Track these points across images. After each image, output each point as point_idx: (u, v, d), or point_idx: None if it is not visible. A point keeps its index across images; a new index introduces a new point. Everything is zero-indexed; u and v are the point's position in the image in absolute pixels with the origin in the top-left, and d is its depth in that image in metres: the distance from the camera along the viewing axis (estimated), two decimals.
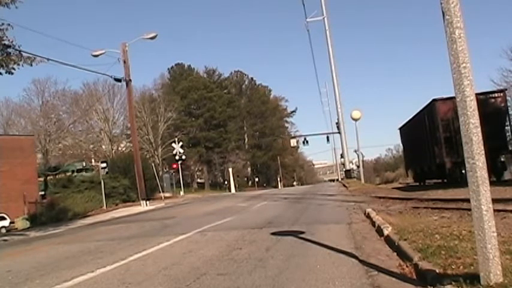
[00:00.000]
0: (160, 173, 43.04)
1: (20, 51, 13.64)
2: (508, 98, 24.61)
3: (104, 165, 29.19)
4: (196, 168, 61.92)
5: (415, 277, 3.97)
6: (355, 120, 33.89)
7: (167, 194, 36.47)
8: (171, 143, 42.09)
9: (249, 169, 72.61)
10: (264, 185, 70.89)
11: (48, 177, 34.45)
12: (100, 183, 26.56)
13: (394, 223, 6.87)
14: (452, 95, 3.38)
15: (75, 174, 34.71)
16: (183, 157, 39.41)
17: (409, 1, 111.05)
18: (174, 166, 40.10)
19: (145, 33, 25.02)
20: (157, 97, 55.55)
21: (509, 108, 20.92)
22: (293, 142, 50.48)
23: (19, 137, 34.51)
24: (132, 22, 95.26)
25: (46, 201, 25.98)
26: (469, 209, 3.47)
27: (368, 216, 8.68)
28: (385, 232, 6.18)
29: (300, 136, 50.95)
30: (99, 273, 5.57)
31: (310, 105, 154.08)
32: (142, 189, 24.21)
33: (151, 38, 24.79)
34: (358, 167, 39.48)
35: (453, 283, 3.30)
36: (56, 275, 5.75)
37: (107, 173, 29.29)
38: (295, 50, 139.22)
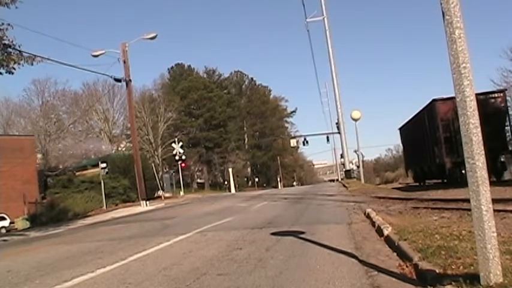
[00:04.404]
0: (160, 173, 42.99)
1: (20, 51, 13.67)
2: (508, 98, 24.63)
3: (104, 165, 29.17)
4: (196, 169, 61.90)
5: (415, 277, 3.97)
6: (355, 120, 33.88)
7: (167, 194, 36.52)
8: (171, 143, 42.06)
9: (249, 169, 72.59)
10: (264, 185, 70.87)
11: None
12: (100, 183, 26.55)
13: (394, 223, 6.87)
14: (452, 95, 3.38)
15: None
16: (183, 157, 39.37)
17: (409, 1, 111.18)
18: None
19: (145, 33, 25.08)
20: (157, 97, 55.54)
21: (509, 108, 20.93)
22: (293, 142, 50.47)
23: (19, 137, 34.51)
24: (132, 22, 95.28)
25: (46, 201, 25.98)
26: (469, 209, 3.47)
27: (368, 216, 8.68)
28: (385, 232, 6.18)
29: (300, 136, 50.96)
30: (99, 273, 5.57)
31: (310, 105, 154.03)
32: (142, 190, 24.21)
33: (151, 38, 24.81)
34: (358, 167, 39.45)
35: (453, 283, 3.30)
36: (56, 275, 5.75)
37: (106, 173, 29.28)
38: (295, 50, 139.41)
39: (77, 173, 33.76)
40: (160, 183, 37.62)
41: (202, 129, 61.79)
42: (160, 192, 36.14)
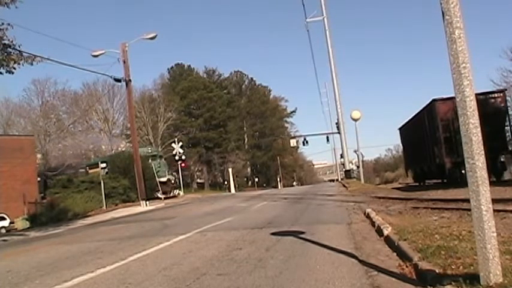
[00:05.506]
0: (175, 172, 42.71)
1: (20, 51, 13.66)
2: (508, 98, 24.65)
3: (104, 165, 29.15)
4: (196, 169, 61.86)
5: (414, 277, 3.97)
6: (355, 120, 33.89)
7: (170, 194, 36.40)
8: (171, 143, 42.05)
9: (249, 169, 72.57)
10: (264, 185, 70.86)
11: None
12: (100, 183, 26.53)
13: (393, 223, 6.87)
14: (452, 95, 3.38)
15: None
16: (183, 157, 39.35)
17: (409, 1, 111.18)
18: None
19: (145, 33, 25.04)
20: (157, 97, 55.56)
21: (509, 108, 20.94)
22: (293, 142, 50.49)
23: (19, 137, 34.47)
24: (132, 22, 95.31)
25: (46, 201, 25.96)
26: (469, 209, 3.47)
27: (368, 216, 8.68)
28: (385, 232, 6.19)
29: (300, 136, 50.96)
30: (99, 274, 5.57)
31: (310, 105, 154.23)
32: (142, 190, 24.20)
33: (151, 38, 24.78)
34: (358, 167, 39.47)
35: (453, 283, 3.30)
36: (55, 275, 5.75)
37: (106, 173, 29.26)
38: (295, 50, 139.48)
39: (90, 171, 33.60)
40: (176, 182, 37.22)
41: (202, 129, 61.74)
42: (176, 192, 35.78)
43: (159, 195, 31.28)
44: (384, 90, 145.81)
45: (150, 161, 32.93)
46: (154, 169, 31.78)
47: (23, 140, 30.60)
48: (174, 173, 38.49)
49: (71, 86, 70.71)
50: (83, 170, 35.43)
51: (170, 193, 33.96)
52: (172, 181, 36.20)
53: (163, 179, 33.83)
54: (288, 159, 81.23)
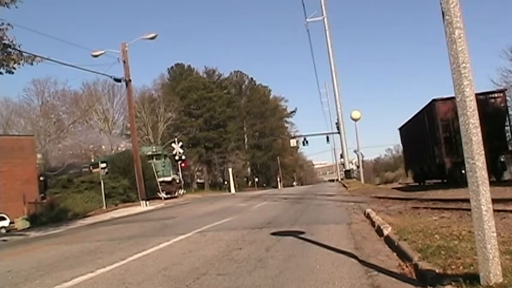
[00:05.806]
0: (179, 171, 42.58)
1: (20, 50, 13.65)
2: (508, 98, 24.66)
3: (104, 165, 29.12)
4: (196, 168, 61.86)
5: (414, 277, 3.97)
6: (355, 120, 33.90)
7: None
8: (171, 143, 42.04)
9: (249, 169, 72.57)
10: (264, 185, 70.87)
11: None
12: (100, 183, 26.52)
13: (393, 223, 6.87)
14: (452, 95, 3.38)
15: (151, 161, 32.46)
16: (183, 157, 39.33)
17: (409, 1, 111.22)
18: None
19: (145, 33, 25.00)
20: (157, 97, 55.55)
21: (509, 108, 20.95)
22: (293, 142, 50.46)
23: (19, 137, 34.44)
24: (132, 22, 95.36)
25: (46, 201, 25.95)
26: (469, 209, 3.47)
27: (368, 216, 8.68)
28: (385, 232, 6.19)
29: (300, 136, 50.93)
30: (98, 274, 5.57)
31: (310, 105, 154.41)
32: (142, 190, 24.19)
33: (151, 38, 24.76)
34: (358, 167, 39.47)
35: (453, 283, 3.30)
36: (55, 275, 5.74)
37: (106, 173, 29.24)
38: (295, 50, 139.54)
39: (94, 170, 33.48)
40: (181, 181, 37.04)
41: (202, 129, 61.73)
42: (181, 191, 35.58)
43: (163, 195, 31.18)
44: (384, 90, 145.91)
45: (154, 160, 32.78)
46: (154, 169, 31.69)
47: (23, 140, 30.57)
48: (177, 173, 38.42)
49: (71, 86, 70.67)
50: (87, 170, 35.41)
51: (175, 193, 33.74)
52: (177, 181, 35.98)
53: (168, 179, 33.61)
54: (288, 159, 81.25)
